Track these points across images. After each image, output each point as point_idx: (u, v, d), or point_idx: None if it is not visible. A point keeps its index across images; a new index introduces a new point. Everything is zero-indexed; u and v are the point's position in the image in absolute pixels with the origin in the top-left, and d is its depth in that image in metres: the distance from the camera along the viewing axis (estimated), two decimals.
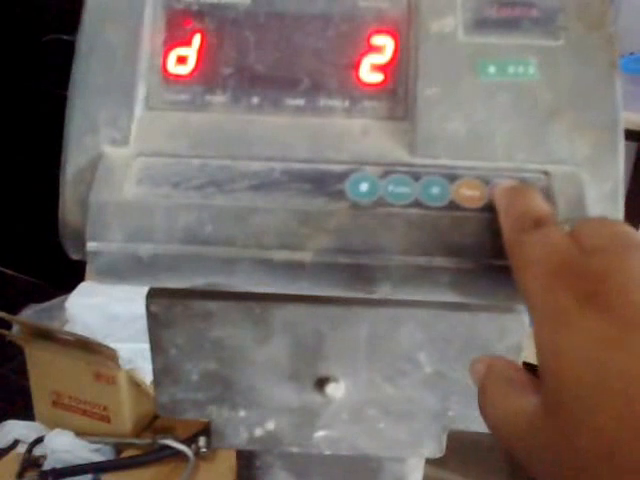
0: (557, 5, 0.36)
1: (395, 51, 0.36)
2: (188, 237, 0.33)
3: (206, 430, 1.28)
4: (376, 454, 0.44)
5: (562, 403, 0.23)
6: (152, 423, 1.38)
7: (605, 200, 0.33)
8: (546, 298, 0.25)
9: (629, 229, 0.27)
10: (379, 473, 0.47)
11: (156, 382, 0.43)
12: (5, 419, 1.38)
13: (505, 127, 0.34)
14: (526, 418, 0.25)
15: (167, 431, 1.33)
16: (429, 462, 0.48)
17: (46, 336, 1.32)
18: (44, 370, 1.36)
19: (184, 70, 0.37)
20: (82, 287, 1.40)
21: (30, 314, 1.39)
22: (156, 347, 0.41)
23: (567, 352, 0.24)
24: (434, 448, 0.43)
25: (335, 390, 0.41)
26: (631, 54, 1.37)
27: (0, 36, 2.01)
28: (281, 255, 0.33)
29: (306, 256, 0.33)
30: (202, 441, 1.27)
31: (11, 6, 1.96)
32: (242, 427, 0.43)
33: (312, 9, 0.37)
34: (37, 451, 1.29)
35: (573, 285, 0.25)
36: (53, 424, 1.35)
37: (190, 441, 1.28)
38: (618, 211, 0.33)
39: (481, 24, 0.36)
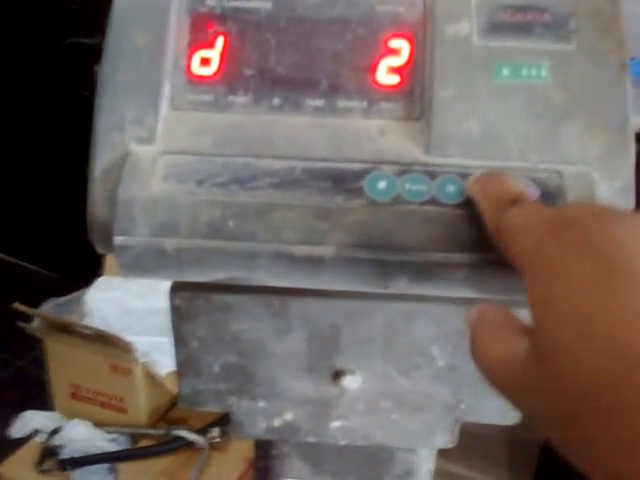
0: (569, 10, 0.36)
1: (411, 54, 0.37)
2: (212, 232, 0.34)
3: (219, 421, 1.30)
4: (390, 445, 0.45)
5: (551, 346, 0.24)
6: (166, 414, 1.40)
7: (616, 198, 0.34)
8: (537, 253, 0.26)
9: (605, 205, 0.29)
10: (392, 463, 0.48)
11: (179, 374, 0.44)
12: (25, 409, 1.40)
13: (518, 128, 0.35)
14: (517, 360, 0.26)
15: (181, 422, 1.35)
16: None
17: (65, 329, 1.34)
18: (63, 362, 1.38)
19: (208, 71, 0.38)
20: (99, 282, 1.42)
21: (49, 308, 1.41)
22: (179, 339, 0.42)
23: (558, 300, 0.24)
24: (446, 439, 0.44)
25: (351, 382, 0.42)
26: (632, 59, 1.37)
27: (23, 40, 2.03)
28: (301, 250, 0.34)
29: (326, 251, 0.34)
30: (215, 432, 1.29)
31: (33, 11, 1.98)
32: (261, 417, 0.44)
33: (331, 13, 0.38)
34: (56, 440, 1.32)
35: (562, 238, 0.26)
36: (72, 415, 1.37)
37: (203, 431, 1.30)
38: (628, 209, 0.34)
39: (495, 28, 0.36)
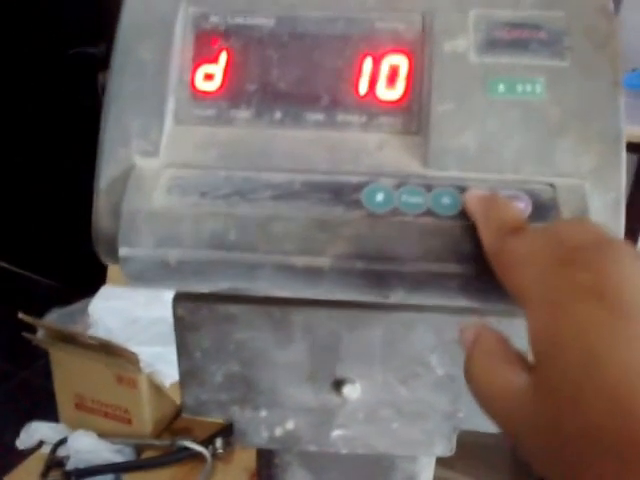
0: (564, 27, 0.37)
1: (410, 70, 0.38)
2: (214, 243, 0.35)
3: (223, 432, 1.30)
4: (390, 453, 0.45)
5: (553, 384, 0.24)
6: (171, 425, 1.40)
7: (607, 210, 0.35)
8: (540, 289, 0.26)
9: (600, 227, 0.29)
10: (392, 471, 0.48)
11: (182, 384, 0.44)
12: (30, 420, 1.40)
13: (513, 142, 0.36)
14: (513, 393, 0.26)
15: (185, 432, 1.35)
16: (437, 462, 0.49)
17: (70, 340, 1.34)
18: (68, 373, 1.38)
19: (211, 86, 0.39)
20: (103, 291, 1.43)
21: (54, 318, 1.41)
22: (182, 350, 0.43)
23: (564, 340, 0.25)
24: (445, 447, 0.44)
25: (351, 391, 0.42)
26: (633, 70, 1.38)
27: (28, 48, 2.05)
28: (301, 261, 0.34)
29: (325, 262, 0.34)
30: (219, 442, 1.29)
31: (38, 20, 2.00)
32: (263, 427, 0.45)
33: (332, 30, 0.38)
34: (61, 451, 1.32)
35: (568, 276, 0.26)
36: (76, 425, 1.38)
37: (207, 442, 1.30)
38: (620, 220, 0.35)
39: (492, 45, 0.37)
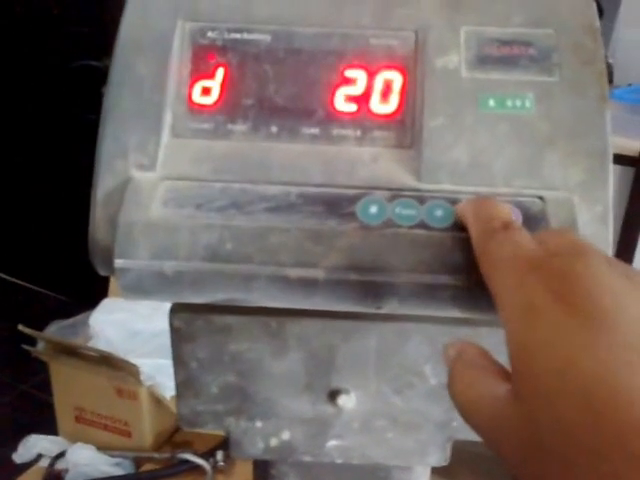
0: (552, 44, 0.38)
1: (403, 85, 0.39)
2: (209, 255, 0.35)
3: (223, 444, 1.30)
4: (385, 463, 0.46)
5: (528, 393, 0.25)
6: (171, 437, 1.40)
7: (595, 222, 0.35)
8: (516, 294, 0.27)
9: (582, 237, 0.30)
10: None
11: (178, 395, 0.45)
12: (29, 433, 1.40)
13: (504, 156, 0.36)
14: (491, 404, 0.27)
15: (186, 445, 1.35)
16: (439, 473, 0.49)
17: (70, 352, 1.34)
18: (67, 386, 1.38)
19: (208, 101, 0.39)
20: (105, 303, 1.43)
21: (54, 330, 1.41)
22: (178, 360, 0.43)
23: (536, 347, 0.25)
24: (439, 457, 0.44)
25: (346, 401, 0.43)
26: (629, 85, 1.40)
27: (32, 61, 2.07)
28: (296, 272, 0.35)
29: (319, 273, 0.35)
30: (219, 455, 1.29)
31: (42, 34, 2.02)
32: (259, 437, 0.45)
33: (327, 46, 0.39)
34: (59, 465, 1.32)
35: (542, 283, 0.26)
36: (75, 438, 1.37)
37: (208, 455, 1.30)
38: (607, 232, 0.35)
39: (482, 61, 0.38)
